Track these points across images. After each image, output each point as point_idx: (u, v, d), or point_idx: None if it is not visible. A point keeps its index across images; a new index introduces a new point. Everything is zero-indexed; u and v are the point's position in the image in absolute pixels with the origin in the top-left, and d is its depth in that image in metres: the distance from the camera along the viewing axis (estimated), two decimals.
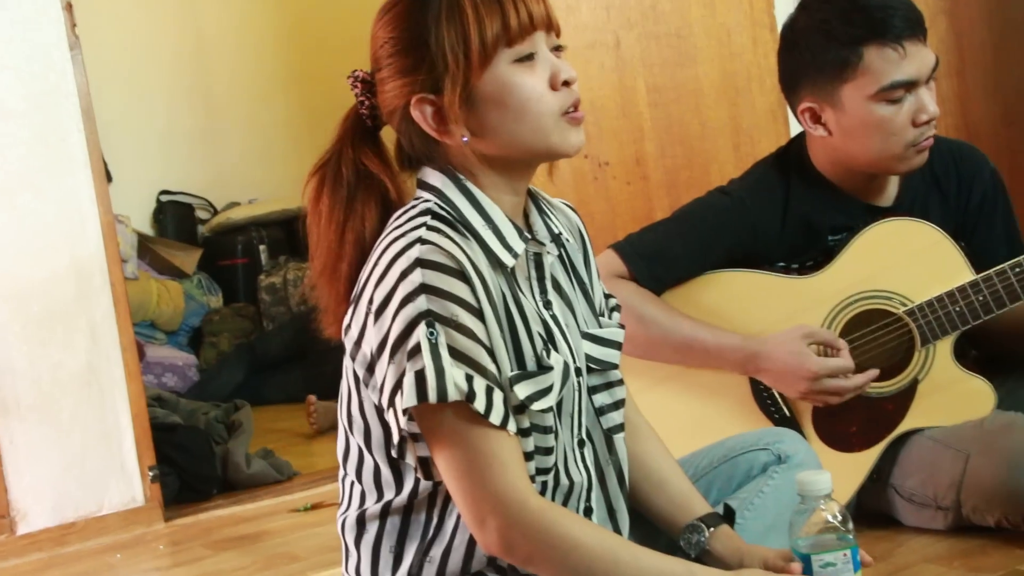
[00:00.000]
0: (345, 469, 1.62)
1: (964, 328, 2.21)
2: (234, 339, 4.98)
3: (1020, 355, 2.40)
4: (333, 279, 1.56)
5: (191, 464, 3.31)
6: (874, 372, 2.20)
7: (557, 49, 1.54)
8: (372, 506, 1.56)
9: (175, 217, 5.43)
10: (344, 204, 1.56)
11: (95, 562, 2.82)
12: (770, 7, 3.58)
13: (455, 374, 1.41)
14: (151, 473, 3.11)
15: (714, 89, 3.53)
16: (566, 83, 1.51)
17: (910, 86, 2.17)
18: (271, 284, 5.16)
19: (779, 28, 3.53)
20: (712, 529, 1.66)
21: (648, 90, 3.43)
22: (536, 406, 1.49)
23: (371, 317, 1.46)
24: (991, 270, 2.18)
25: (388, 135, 1.60)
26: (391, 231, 1.49)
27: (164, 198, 5.46)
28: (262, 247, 5.32)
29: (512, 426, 1.46)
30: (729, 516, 1.73)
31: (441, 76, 1.49)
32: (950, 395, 2.23)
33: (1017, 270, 2.15)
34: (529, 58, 1.50)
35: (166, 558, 2.81)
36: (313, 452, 3.81)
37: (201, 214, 5.55)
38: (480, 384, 1.42)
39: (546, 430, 1.52)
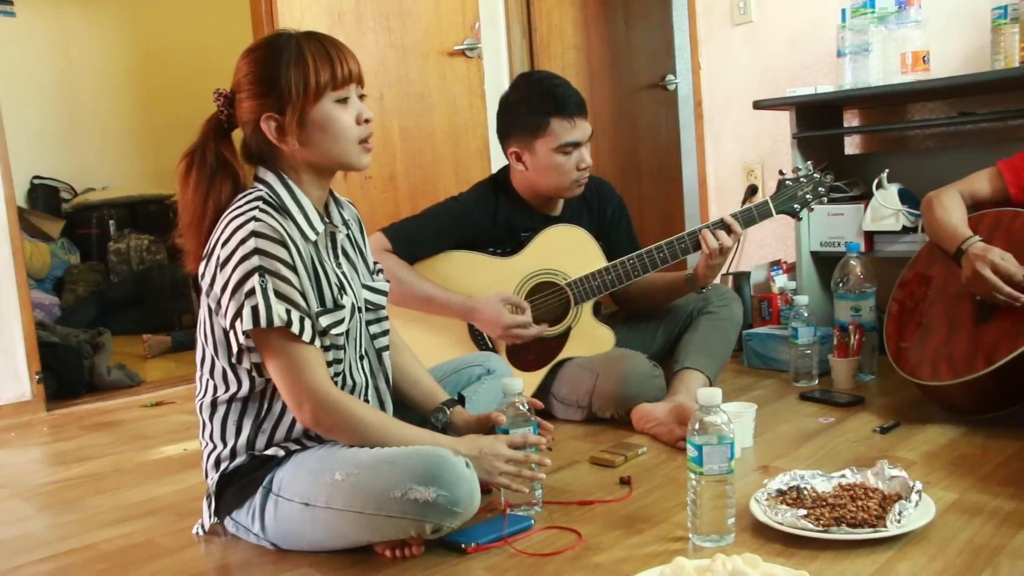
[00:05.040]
0: (201, 370, 1.60)
1: (599, 295, 2.29)
2: (88, 287, 4.67)
3: (636, 313, 2.49)
4: (197, 231, 1.54)
5: (66, 371, 3.12)
6: (544, 326, 2.26)
7: (361, 96, 1.57)
8: (221, 395, 1.56)
9: (44, 196, 5.03)
10: (208, 180, 1.53)
11: None
12: (482, 83, 3.61)
13: (278, 308, 1.43)
14: (37, 377, 2.93)
15: (443, 133, 3.53)
16: (367, 120, 1.55)
17: (576, 145, 2.24)
18: (117, 249, 4.86)
19: (487, 97, 3.63)
20: (451, 409, 1.74)
21: (400, 130, 3.41)
22: (333, 331, 1.52)
23: (218, 268, 1.46)
24: (615, 260, 2.26)
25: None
26: (233, 210, 1.49)
27: (36, 181, 5.04)
28: (111, 221, 4.99)
29: (317, 343, 1.48)
30: (462, 400, 1.82)
31: (285, 103, 1.50)
32: (589, 337, 2.30)
33: (631, 261, 2.24)
34: (345, 100, 1.53)
35: (49, 436, 2.66)
36: (149, 368, 3.64)
37: (64, 195, 5.14)
38: (296, 315, 1.45)
39: (339, 348, 1.55)
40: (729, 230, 2.19)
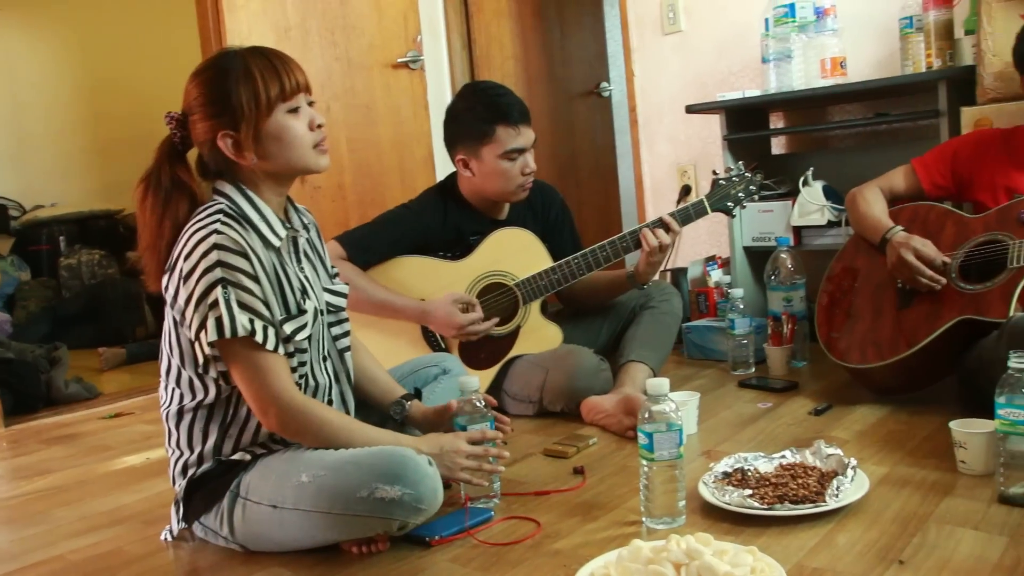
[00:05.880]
0: (167, 380, 1.57)
1: (546, 294, 2.30)
2: (40, 303, 4.52)
3: (581, 310, 2.50)
4: (155, 251, 1.52)
5: (23, 386, 3.02)
6: (495, 320, 2.26)
7: (311, 104, 1.56)
8: (188, 403, 1.54)
9: None
10: (163, 202, 1.51)
11: None
12: (425, 94, 3.58)
13: (242, 319, 1.42)
14: None
15: (389, 143, 3.50)
16: (319, 126, 1.55)
17: (521, 151, 2.25)
18: (68, 264, 4.72)
19: (430, 108, 3.61)
20: (409, 403, 1.74)
21: (347, 141, 3.38)
22: (297, 337, 1.51)
23: (181, 281, 1.45)
24: (561, 260, 2.27)
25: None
26: (194, 223, 1.47)
27: None
28: (61, 237, 4.85)
29: (281, 350, 1.47)
30: (418, 394, 1.82)
31: (239, 120, 1.48)
32: (538, 335, 2.31)
33: (575, 261, 2.25)
34: (296, 110, 1.52)
35: (9, 451, 2.56)
36: (105, 381, 3.54)
37: (13, 212, 4.98)
38: (259, 324, 1.44)
39: (303, 351, 1.54)
40: (667, 228, 2.22)
